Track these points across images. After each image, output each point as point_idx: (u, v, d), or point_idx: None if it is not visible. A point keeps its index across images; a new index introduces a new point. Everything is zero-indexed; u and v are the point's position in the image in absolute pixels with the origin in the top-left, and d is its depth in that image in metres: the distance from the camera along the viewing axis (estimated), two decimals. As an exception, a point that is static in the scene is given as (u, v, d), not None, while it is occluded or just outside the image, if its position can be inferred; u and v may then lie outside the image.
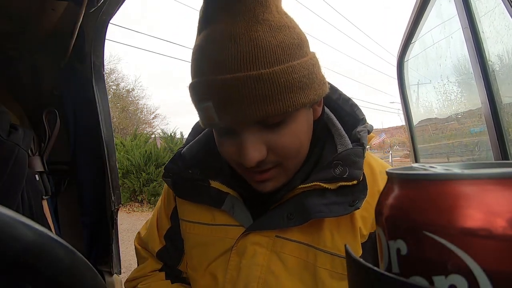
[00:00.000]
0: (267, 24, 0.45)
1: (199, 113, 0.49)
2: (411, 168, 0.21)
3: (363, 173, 0.51)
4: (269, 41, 0.44)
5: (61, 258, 0.26)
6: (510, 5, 0.87)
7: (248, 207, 0.57)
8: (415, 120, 2.07)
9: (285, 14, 0.50)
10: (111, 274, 1.19)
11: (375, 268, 0.17)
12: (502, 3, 0.91)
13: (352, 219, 0.53)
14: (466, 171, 0.17)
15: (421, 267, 0.17)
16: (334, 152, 0.55)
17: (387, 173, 0.21)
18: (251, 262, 0.54)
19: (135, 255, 0.74)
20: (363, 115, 0.59)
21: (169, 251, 0.67)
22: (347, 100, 0.61)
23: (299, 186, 0.52)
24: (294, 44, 0.47)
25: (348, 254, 0.20)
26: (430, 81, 1.83)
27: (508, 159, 1.04)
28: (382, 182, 0.55)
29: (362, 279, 0.18)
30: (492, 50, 1.08)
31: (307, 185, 0.51)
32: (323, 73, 0.53)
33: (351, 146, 0.54)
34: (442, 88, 1.69)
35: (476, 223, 0.15)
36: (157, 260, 0.69)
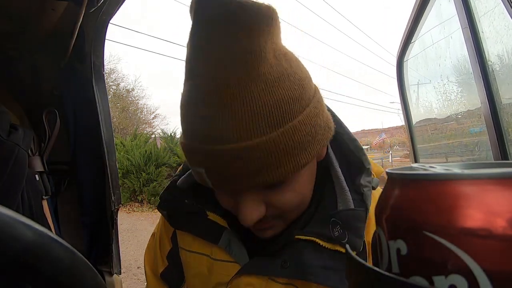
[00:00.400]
0: (262, 80, 0.39)
1: (193, 171, 0.45)
2: (411, 168, 0.21)
3: (364, 241, 0.48)
4: (265, 101, 0.39)
5: (61, 258, 0.26)
6: (510, 5, 0.87)
7: (244, 241, 0.56)
8: (415, 120, 2.07)
9: (284, 54, 0.43)
10: (111, 274, 1.19)
11: (375, 268, 0.17)
12: (501, 3, 0.91)
13: None
14: (466, 171, 0.17)
15: (421, 267, 0.17)
16: (334, 203, 0.51)
17: (387, 173, 0.21)
18: None
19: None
20: (370, 164, 0.52)
21: (172, 272, 0.66)
22: (353, 140, 0.54)
23: (296, 237, 0.49)
24: (294, 97, 0.41)
25: (348, 254, 0.20)
26: (430, 81, 1.83)
27: (508, 159, 1.04)
28: (372, 230, 0.51)
29: (362, 279, 0.18)
30: (492, 50, 1.08)
31: (304, 237, 0.49)
32: (326, 112, 0.48)
33: (352, 205, 0.49)
34: (442, 88, 1.69)
35: (476, 223, 0.15)
36: (161, 282, 0.67)
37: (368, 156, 0.53)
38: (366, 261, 0.43)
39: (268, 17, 0.40)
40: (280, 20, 0.43)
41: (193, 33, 0.41)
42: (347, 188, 0.51)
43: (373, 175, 0.53)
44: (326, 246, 0.47)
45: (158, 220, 0.73)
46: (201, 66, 0.41)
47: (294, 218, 0.51)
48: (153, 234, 0.72)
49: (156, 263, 0.67)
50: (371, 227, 0.51)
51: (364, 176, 0.51)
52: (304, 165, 0.42)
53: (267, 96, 0.39)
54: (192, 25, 0.40)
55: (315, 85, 0.48)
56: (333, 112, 0.55)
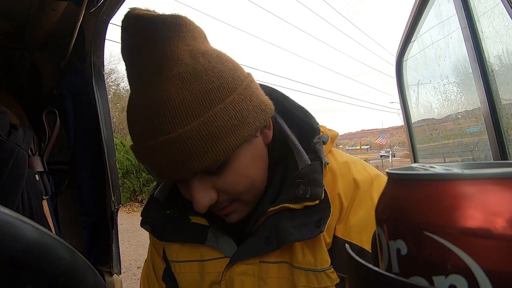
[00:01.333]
0: (178, 78, 0.44)
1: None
2: (411, 168, 0.21)
3: (324, 190, 0.51)
4: (183, 97, 0.43)
5: (61, 258, 0.26)
6: (509, 4, 0.87)
7: (231, 234, 0.58)
8: (415, 120, 2.07)
9: (203, 53, 0.48)
10: (111, 274, 1.19)
11: (375, 268, 0.17)
12: (501, 2, 0.91)
13: None
14: (466, 171, 0.17)
15: (421, 267, 0.17)
16: (296, 168, 0.55)
17: (387, 173, 0.21)
18: None
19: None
20: (318, 124, 0.58)
21: None
22: (300, 107, 0.60)
23: (269, 210, 0.53)
24: (213, 89, 0.45)
25: (348, 254, 0.20)
26: (430, 81, 1.83)
27: (507, 159, 1.04)
28: (342, 184, 0.56)
29: (362, 279, 0.18)
30: (491, 49, 1.08)
31: (276, 207, 0.52)
32: (261, 95, 0.52)
33: (309, 162, 0.54)
34: (442, 88, 1.69)
35: (476, 223, 0.15)
36: None
37: (315, 118, 0.58)
38: (330, 206, 0.51)
39: (174, 24, 0.47)
40: (193, 25, 0.50)
41: (122, 48, 0.49)
42: (303, 150, 0.55)
43: (322, 132, 0.58)
44: (296, 208, 0.51)
45: None
46: (129, 75, 0.49)
47: (252, 199, 0.54)
48: (145, 261, 0.73)
49: (153, 285, 0.67)
50: (338, 181, 0.56)
51: (316, 136, 0.56)
52: (235, 147, 0.46)
53: (184, 92, 0.44)
54: (121, 40, 0.49)
55: (248, 74, 0.53)
56: (277, 91, 0.62)
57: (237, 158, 0.49)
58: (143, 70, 0.46)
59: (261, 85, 0.59)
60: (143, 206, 0.66)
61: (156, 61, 0.45)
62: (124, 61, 0.50)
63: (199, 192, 0.48)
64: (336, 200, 0.55)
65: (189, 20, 0.50)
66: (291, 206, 0.52)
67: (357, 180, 0.56)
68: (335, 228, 0.54)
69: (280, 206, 0.52)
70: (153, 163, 0.46)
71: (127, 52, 0.49)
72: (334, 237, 0.54)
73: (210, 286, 0.58)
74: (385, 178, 0.22)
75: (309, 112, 0.59)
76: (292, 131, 0.59)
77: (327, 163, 0.56)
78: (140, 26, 0.47)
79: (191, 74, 0.45)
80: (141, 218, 0.63)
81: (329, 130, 0.62)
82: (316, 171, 0.52)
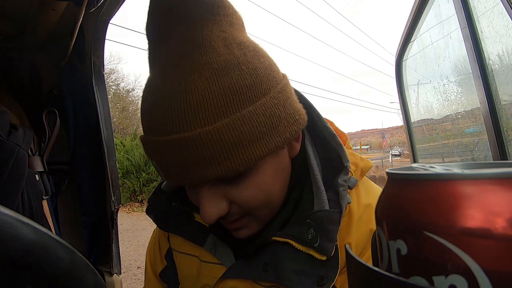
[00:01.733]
0: (207, 69, 0.38)
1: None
2: (411, 168, 0.21)
3: (336, 246, 0.45)
4: (209, 91, 0.37)
5: (61, 258, 0.26)
6: (509, 4, 0.87)
7: (231, 243, 0.55)
8: (414, 120, 2.07)
9: (239, 43, 0.42)
10: (111, 274, 1.19)
11: (375, 268, 0.17)
12: (501, 2, 0.91)
13: None
14: (466, 171, 0.17)
15: (421, 267, 0.17)
16: (311, 203, 0.49)
17: (387, 173, 0.21)
18: None
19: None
20: (348, 161, 0.49)
21: (170, 272, 0.66)
22: (333, 135, 0.51)
23: (273, 238, 0.48)
24: (245, 87, 0.39)
25: (348, 254, 0.20)
26: (430, 81, 1.83)
27: (507, 159, 1.04)
28: (356, 233, 0.48)
29: (362, 279, 0.18)
30: (491, 49, 1.08)
31: (281, 239, 0.47)
32: (296, 102, 0.46)
33: (327, 206, 0.47)
34: (442, 88, 1.69)
35: (476, 223, 0.15)
36: (161, 283, 0.67)
37: (346, 153, 0.50)
38: (338, 267, 0.45)
39: (212, 5, 0.41)
40: (233, 9, 0.43)
41: (148, 25, 0.43)
42: (323, 188, 0.49)
43: (351, 173, 0.50)
44: (301, 250, 0.46)
45: None
46: (151, 55, 0.43)
47: (266, 217, 0.49)
48: (153, 234, 0.73)
49: (156, 263, 0.67)
50: (353, 227, 0.49)
51: (342, 175, 0.48)
52: (259, 158, 0.40)
53: (212, 85, 0.38)
54: (147, 16, 0.43)
55: (283, 75, 0.46)
56: (312, 105, 0.53)
57: (259, 170, 0.42)
58: (168, 53, 0.40)
59: (294, 90, 0.51)
60: (143, 206, 0.66)
61: (185, 46, 0.39)
62: (148, 39, 0.44)
63: (209, 201, 0.42)
64: (342, 248, 0.47)
65: (228, 2, 0.43)
66: (296, 246, 0.46)
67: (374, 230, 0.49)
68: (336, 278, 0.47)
69: (285, 239, 0.47)
70: (162, 162, 0.41)
71: (153, 30, 0.43)
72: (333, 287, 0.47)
73: (203, 287, 0.57)
74: None
75: (341, 143, 0.50)
76: (317, 158, 0.52)
77: (349, 203, 0.48)
78: (172, 4, 0.41)
79: (223, 66, 0.39)
80: (147, 205, 0.61)
81: (361, 159, 0.54)
82: (332, 222, 0.45)
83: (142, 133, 0.45)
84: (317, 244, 0.44)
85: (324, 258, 0.44)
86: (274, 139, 0.41)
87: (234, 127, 0.38)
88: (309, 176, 0.51)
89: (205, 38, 0.39)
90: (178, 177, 0.40)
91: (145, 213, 0.65)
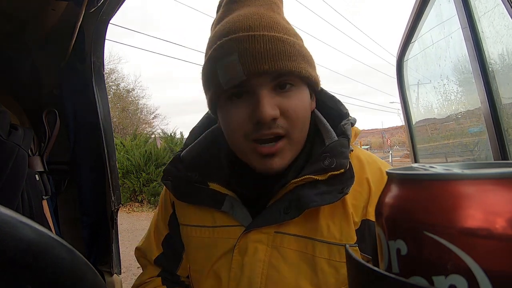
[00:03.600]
0: (278, 13, 0.57)
1: (222, 73, 0.52)
2: (411, 168, 0.21)
3: (350, 162, 0.54)
4: (283, 23, 0.54)
5: (61, 258, 0.26)
6: (510, 5, 0.87)
7: (247, 206, 0.59)
8: (415, 120, 2.06)
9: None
10: (111, 274, 1.19)
11: (375, 268, 0.17)
12: (501, 3, 0.91)
13: (345, 207, 0.55)
14: (466, 171, 0.17)
15: (421, 267, 0.17)
16: (322, 147, 0.58)
17: (387, 173, 0.21)
18: (253, 259, 0.56)
19: (134, 255, 0.75)
20: (346, 109, 0.63)
21: (167, 257, 0.68)
22: (331, 96, 0.65)
23: (292, 181, 0.54)
24: (299, 36, 0.57)
25: (348, 255, 0.20)
26: (430, 81, 1.83)
27: (508, 159, 1.04)
28: (369, 171, 0.58)
29: (362, 279, 0.18)
30: (492, 49, 1.08)
31: (299, 179, 0.54)
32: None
33: (337, 139, 0.57)
34: (442, 88, 1.69)
35: (476, 223, 0.15)
36: (156, 267, 0.70)
37: (345, 105, 0.64)
38: (353, 176, 0.54)
39: None
40: None
41: None
42: (331, 129, 0.60)
43: (350, 116, 0.62)
44: (320, 179, 0.53)
45: None
46: (234, 5, 0.58)
47: (298, 143, 0.57)
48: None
49: (151, 250, 0.69)
50: (365, 167, 0.59)
51: (344, 120, 0.60)
52: (309, 74, 0.54)
53: (283, 21, 0.56)
54: None
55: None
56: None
57: (302, 92, 0.55)
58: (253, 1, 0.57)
59: None
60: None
61: (267, 1, 0.57)
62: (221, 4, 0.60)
63: (269, 102, 0.51)
64: (365, 183, 0.57)
65: None
66: (315, 177, 0.53)
67: (383, 170, 0.58)
68: (366, 210, 0.55)
69: (303, 177, 0.54)
70: (242, 52, 0.50)
71: None
72: (366, 220, 0.54)
73: (223, 254, 0.59)
74: None
75: (339, 100, 0.65)
76: (323, 116, 0.64)
77: (352, 150, 0.57)
78: None
79: (286, 20, 0.58)
80: (163, 174, 0.65)
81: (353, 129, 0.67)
82: (344, 146, 0.55)
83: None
84: (334, 165, 0.53)
85: (342, 170, 0.53)
86: (314, 73, 0.57)
87: (299, 45, 0.54)
88: (316, 132, 0.62)
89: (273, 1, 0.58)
90: (254, 66, 0.50)
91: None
